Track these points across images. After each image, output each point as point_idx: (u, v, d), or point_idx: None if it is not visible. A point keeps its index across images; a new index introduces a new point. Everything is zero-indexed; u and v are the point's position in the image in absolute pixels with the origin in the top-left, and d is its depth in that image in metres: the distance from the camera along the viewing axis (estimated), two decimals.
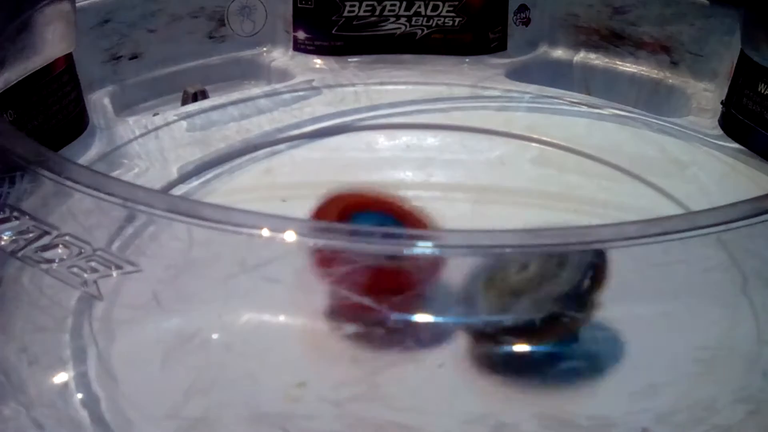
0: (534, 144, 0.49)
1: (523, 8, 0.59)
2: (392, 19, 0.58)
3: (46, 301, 0.28)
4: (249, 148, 0.48)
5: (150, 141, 0.47)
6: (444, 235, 0.28)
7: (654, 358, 0.26)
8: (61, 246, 0.25)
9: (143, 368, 0.26)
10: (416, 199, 0.46)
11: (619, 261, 0.26)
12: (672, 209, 0.43)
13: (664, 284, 0.27)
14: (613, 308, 0.26)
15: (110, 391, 0.26)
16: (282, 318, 0.25)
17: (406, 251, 0.25)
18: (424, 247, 0.25)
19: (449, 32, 0.58)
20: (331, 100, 0.53)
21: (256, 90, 0.54)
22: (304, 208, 0.44)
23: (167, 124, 0.49)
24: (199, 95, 0.53)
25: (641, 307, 0.26)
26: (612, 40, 0.58)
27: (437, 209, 0.45)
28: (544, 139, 0.49)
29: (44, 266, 0.25)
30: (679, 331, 0.26)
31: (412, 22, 0.58)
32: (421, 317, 0.25)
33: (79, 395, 0.26)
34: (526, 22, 0.59)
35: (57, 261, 0.25)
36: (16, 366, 0.26)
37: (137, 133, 0.48)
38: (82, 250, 0.25)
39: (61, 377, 0.27)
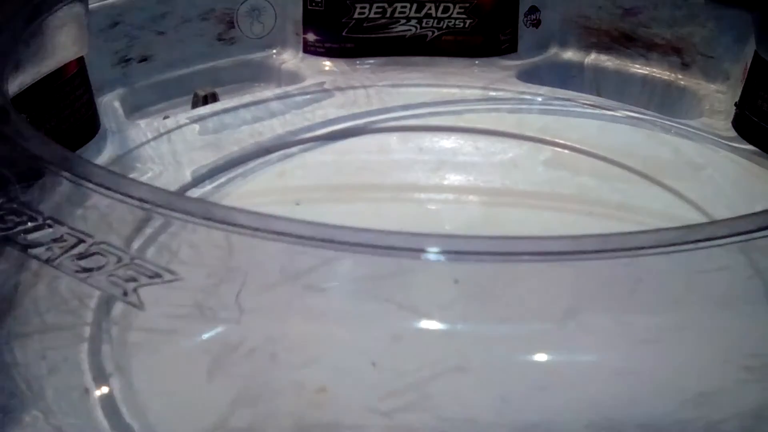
0: (547, 146, 0.49)
1: (533, 10, 0.59)
2: (403, 21, 0.57)
3: (65, 308, 0.27)
4: (262, 151, 0.47)
5: (162, 144, 0.47)
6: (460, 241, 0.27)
7: (703, 366, 0.25)
8: (98, 254, 0.25)
9: (153, 376, 0.26)
10: (430, 201, 0.47)
11: (656, 269, 0.26)
12: (687, 211, 0.43)
13: (691, 293, 0.27)
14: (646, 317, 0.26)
15: (132, 401, 0.26)
16: (327, 327, 0.25)
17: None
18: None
19: (460, 34, 0.58)
20: (343, 102, 0.52)
21: (267, 93, 0.54)
22: (317, 211, 0.44)
23: (179, 127, 0.48)
24: (210, 98, 0.53)
25: (676, 315, 0.26)
26: (623, 42, 0.58)
27: (450, 212, 0.45)
28: (557, 141, 0.49)
29: (82, 275, 0.25)
30: (727, 339, 0.26)
31: (423, 24, 0.58)
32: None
33: (100, 403, 0.26)
34: (537, 23, 0.59)
35: (96, 270, 0.25)
36: (35, 373, 0.26)
37: (149, 136, 0.47)
38: (120, 259, 0.25)
39: (80, 385, 0.26)
